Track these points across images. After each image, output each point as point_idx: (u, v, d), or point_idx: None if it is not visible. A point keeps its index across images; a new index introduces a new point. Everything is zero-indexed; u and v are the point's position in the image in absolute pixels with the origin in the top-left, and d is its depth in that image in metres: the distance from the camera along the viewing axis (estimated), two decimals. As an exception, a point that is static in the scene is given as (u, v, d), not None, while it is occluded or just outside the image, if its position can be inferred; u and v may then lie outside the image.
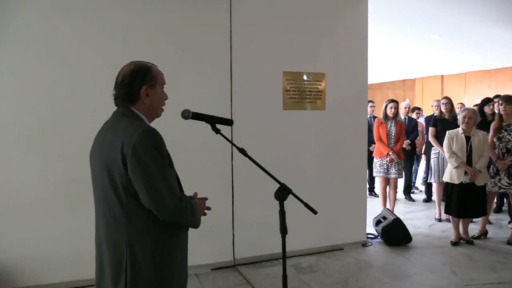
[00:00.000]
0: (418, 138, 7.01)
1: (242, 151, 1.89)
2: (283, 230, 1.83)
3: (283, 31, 4.12)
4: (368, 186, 7.03)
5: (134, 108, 1.68)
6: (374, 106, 7.61)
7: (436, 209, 5.76)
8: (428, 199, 6.77)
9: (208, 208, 1.84)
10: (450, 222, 5.03)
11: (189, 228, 1.76)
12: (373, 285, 3.57)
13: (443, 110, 5.71)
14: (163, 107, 1.79)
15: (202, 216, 1.81)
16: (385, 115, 5.57)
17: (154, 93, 1.69)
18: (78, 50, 3.42)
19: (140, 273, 1.58)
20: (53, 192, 3.38)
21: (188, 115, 1.85)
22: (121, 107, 1.69)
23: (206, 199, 1.85)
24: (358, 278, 3.71)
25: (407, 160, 6.54)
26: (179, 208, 1.57)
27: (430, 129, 5.72)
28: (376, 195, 6.91)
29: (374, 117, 6.59)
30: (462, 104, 8.07)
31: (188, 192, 1.85)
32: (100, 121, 1.77)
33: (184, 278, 1.77)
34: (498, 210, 6.06)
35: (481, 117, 5.22)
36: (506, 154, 4.72)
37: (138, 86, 1.65)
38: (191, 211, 1.64)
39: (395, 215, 4.81)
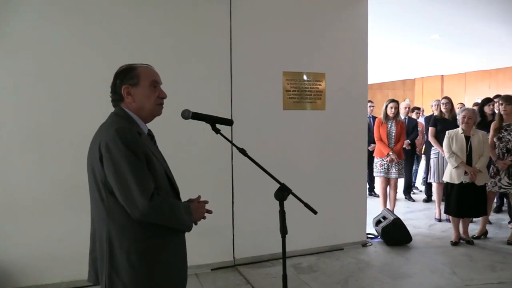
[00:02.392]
0: (418, 138, 7.01)
1: (242, 151, 1.89)
2: (283, 230, 1.83)
3: (283, 31, 4.12)
4: (368, 186, 7.03)
5: (125, 107, 1.71)
6: (373, 106, 7.61)
7: (436, 209, 5.76)
8: (428, 199, 6.77)
9: (209, 212, 1.82)
10: (450, 222, 5.03)
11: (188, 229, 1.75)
12: (373, 285, 3.57)
13: (443, 110, 5.71)
14: (163, 105, 1.78)
15: (202, 218, 1.80)
16: (386, 115, 5.57)
17: (137, 91, 1.69)
18: (79, 51, 3.42)
19: (117, 271, 1.59)
20: (53, 192, 3.38)
21: (188, 115, 1.85)
22: (116, 107, 1.74)
23: (206, 202, 1.82)
24: (358, 278, 3.71)
25: (407, 160, 6.54)
26: (148, 206, 1.53)
27: (430, 129, 5.72)
28: (376, 195, 6.91)
29: (374, 117, 6.59)
30: (462, 104, 8.07)
31: (188, 192, 1.85)
32: (99, 122, 1.77)
33: (178, 283, 1.73)
34: (498, 210, 6.06)
35: (481, 117, 5.22)
36: (506, 154, 4.72)
37: (119, 86, 1.70)
38: (169, 211, 1.60)
39: (395, 215, 4.81)
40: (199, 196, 1.83)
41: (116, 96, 1.71)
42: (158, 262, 1.63)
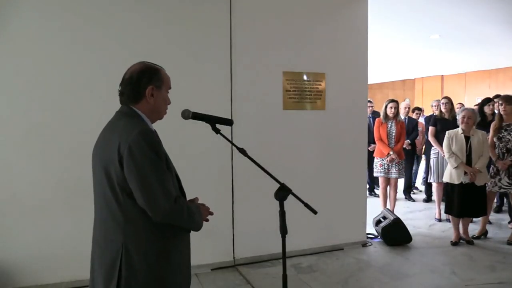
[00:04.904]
0: (418, 138, 7.00)
1: (242, 151, 1.89)
2: (283, 230, 1.84)
3: (283, 31, 4.12)
4: (368, 186, 7.03)
5: (137, 108, 1.68)
6: (372, 106, 7.58)
7: (436, 209, 5.76)
8: (428, 199, 6.76)
9: (211, 213, 1.83)
10: (450, 222, 5.03)
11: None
12: (373, 285, 3.57)
13: (443, 110, 5.71)
14: (166, 111, 1.79)
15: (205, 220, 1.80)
16: (385, 115, 5.57)
17: (159, 94, 1.70)
18: (79, 51, 3.42)
19: (134, 273, 1.58)
20: (54, 192, 3.38)
21: (188, 115, 1.85)
22: (124, 106, 1.70)
23: (208, 208, 1.83)
24: (358, 278, 3.71)
25: (407, 160, 6.53)
26: (173, 209, 1.55)
27: (430, 128, 5.72)
28: (376, 195, 6.91)
29: (374, 117, 6.59)
30: (462, 104, 8.06)
31: (188, 192, 1.84)
32: (101, 121, 1.77)
33: (185, 280, 1.75)
34: (498, 210, 6.06)
35: (481, 117, 5.22)
36: (506, 154, 4.72)
37: (144, 85, 1.66)
38: (187, 213, 1.63)
39: (395, 215, 4.81)
40: (197, 198, 1.83)
41: (135, 94, 1.66)
42: (172, 260, 1.65)
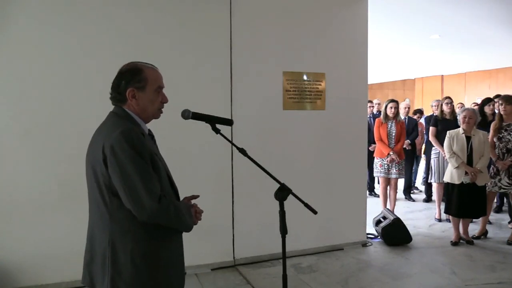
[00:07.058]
0: (417, 138, 6.99)
1: (242, 151, 1.89)
2: (283, 230, 1.84)
3: (283, 31, 4.12)
4: (368, 186, 7.03)
5: (126, 108, 1.68)
6: (372, 106, 7.59)
7: (436, 209, 5.76)
8: (428, 199, 6.76)
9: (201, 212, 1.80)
10: (450, 222, 5.03)
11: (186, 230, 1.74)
12: (373, 285, 3.57)
13: (447, 110, 5.69)
14: (163, 109, 1.77)
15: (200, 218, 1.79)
16: (386, 115, 5.57)
17: (142, 95, 1.66)
18: (78, 51, 3.42)
19: (120, 273, 1.58)
20: (53, 192, 3.38)
21: (188, 115, 1.85)
22: (116, 106, 1.71)
23: (196, 197, 1.81)
24: (358, 278, 3.71)
25: (407, 160, 6.53)
26: (157, 208, 1.53)
27: (431, 128, 5.71)
28: (376, 195, 6.91)
29: (374, 117, 6.59)
30: (462, 104, 8.06)
31: (188, 192, 1.84)
32: (100, 122, 1.77)
33: (176, 283, 1.73)
34: (498, 210, 6.06)
35: (481, 117, 5.22)
36: (506, 154, 4.72)
37: (124, 88, 1.65)
38: (174, 213, 1.60)
39: (395, 215, 4.81)
40: (193, 200, 1.82)
41: (119, 96, 1.67)
42: (161, 262, 1.64)
